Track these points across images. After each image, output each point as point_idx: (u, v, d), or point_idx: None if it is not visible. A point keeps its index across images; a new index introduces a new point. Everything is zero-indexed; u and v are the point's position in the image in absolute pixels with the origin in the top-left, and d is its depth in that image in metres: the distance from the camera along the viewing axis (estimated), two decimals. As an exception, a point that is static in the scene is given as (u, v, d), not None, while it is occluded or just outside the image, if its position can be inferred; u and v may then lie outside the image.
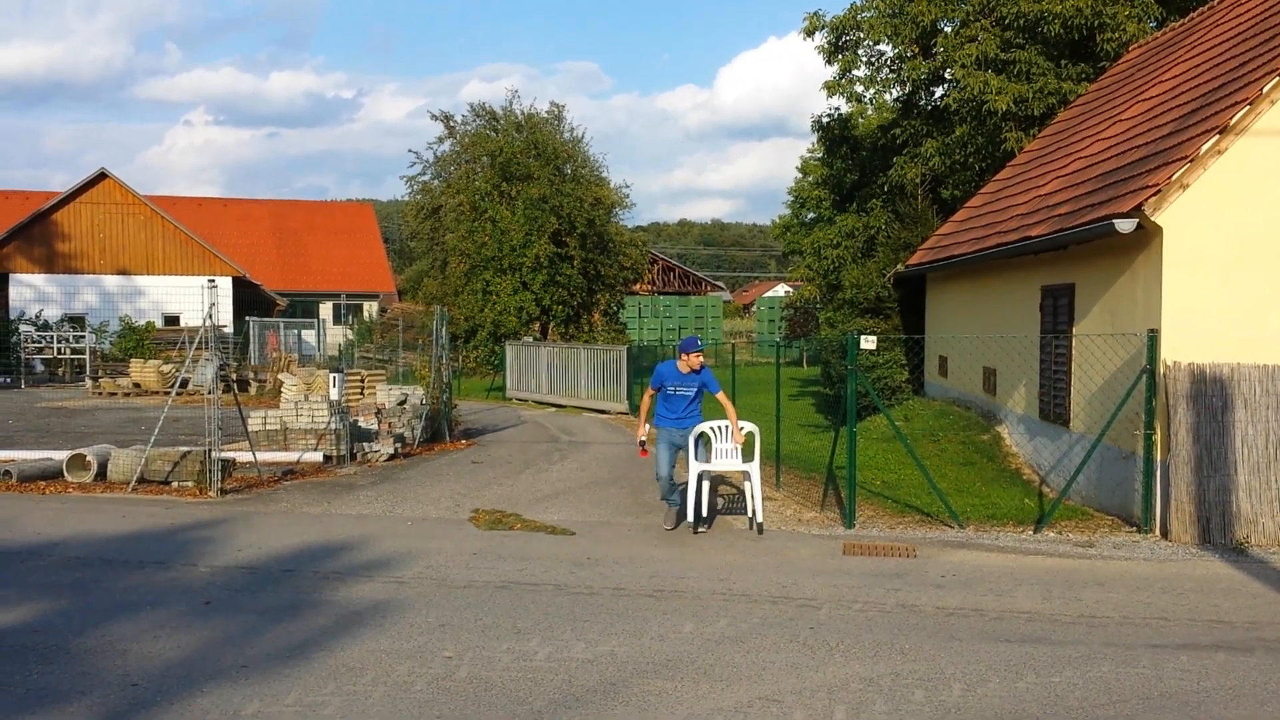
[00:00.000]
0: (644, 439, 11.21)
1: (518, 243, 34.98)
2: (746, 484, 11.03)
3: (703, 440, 10.89)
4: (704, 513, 10.85)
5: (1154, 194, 10.37)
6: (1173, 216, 10.42)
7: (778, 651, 6.84)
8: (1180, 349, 10.41)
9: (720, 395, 10.81)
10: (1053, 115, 21.91)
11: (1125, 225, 10.54)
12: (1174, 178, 10.37)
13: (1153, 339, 10.50)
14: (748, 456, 11.00)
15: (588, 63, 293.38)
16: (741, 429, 10.90)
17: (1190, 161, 10.38)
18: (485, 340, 35.47)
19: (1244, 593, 8.51)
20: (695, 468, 10.71)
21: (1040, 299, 13.88)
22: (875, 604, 8.08)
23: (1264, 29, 12.40)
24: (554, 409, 27.67)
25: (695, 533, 10.70)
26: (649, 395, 11.12)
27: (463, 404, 24.33)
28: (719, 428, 10.97)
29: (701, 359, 10.78)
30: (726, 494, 12.80)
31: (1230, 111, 10.49)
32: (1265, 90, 10.36)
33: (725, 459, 11.01)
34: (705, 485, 10.89)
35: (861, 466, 13.02)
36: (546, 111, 39.51)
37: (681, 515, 11.02)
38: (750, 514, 10.89)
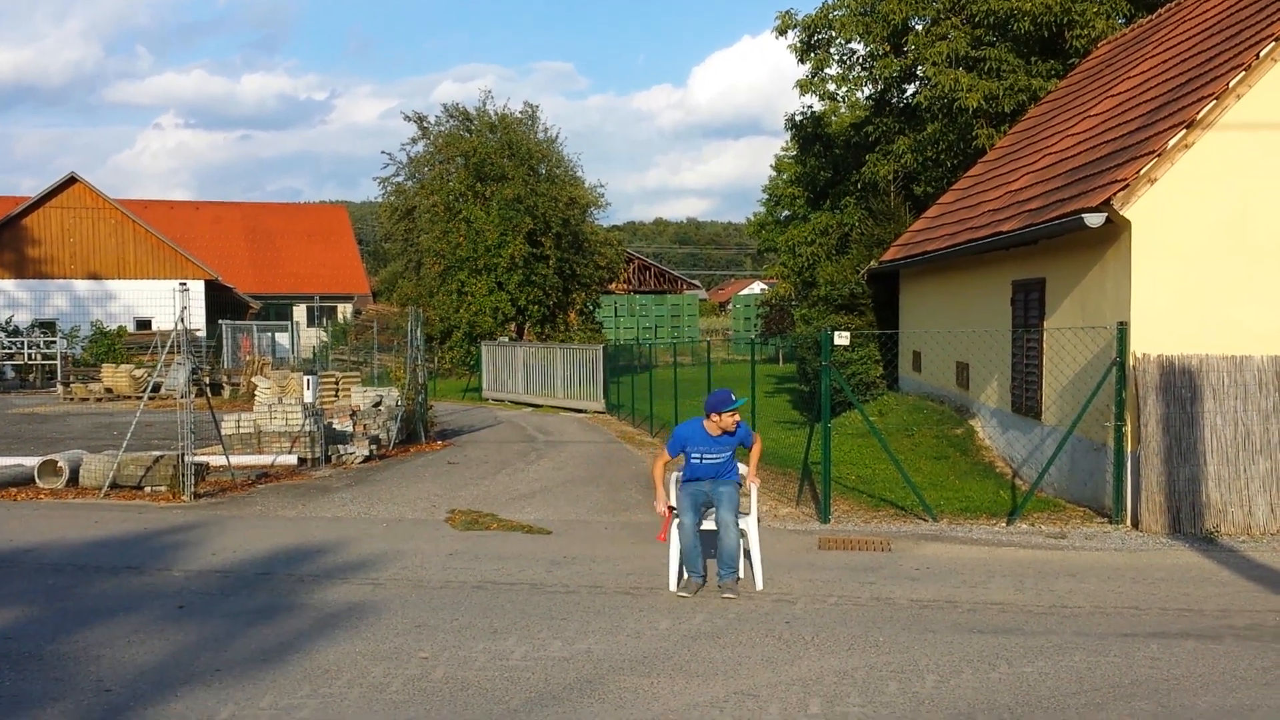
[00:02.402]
0: (672, 505, 8.40)
1: (493, 243, 34.95)
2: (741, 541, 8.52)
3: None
4: (685, 575, 8.40)
5: (1122, 188, 10.46)
6: (1141, 210, 10.52)
7: (754, 646, 6.87)
8: (1149, 341, 10.51)
9: (754, 436, 8.68)
10: (1023, 112, 22.07)
11: (1094, 219, 10.63)
12: (1142, 172, 10.47)
13: (1122, 331, 10.59)
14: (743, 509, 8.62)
15: (562, 63, 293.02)
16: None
17: (1158, 156, 10.48)
18: (461, 341, 35.43)
19: (1213, 581, 8.60)
20: (689, 521, 8.23)
21: (1012, 293, 13.98)
22: (850, 597, 8.12)
23: (1230, 24, 12.53)
24: (530, 409, 27.65)
25: (678, 594, 8.23)
26: (662, 463, 8.47)
27: (438, 405, 24.26)
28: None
29: (738, 417, 8.32)
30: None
31: (1197, 106, 10.60)
32: (1231, 85, 10.47)
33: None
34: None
35: (837, 462, 13.09)
36: (520, 112, 39.58)
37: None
38: (751, 575, 8.42)
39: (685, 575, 8.38)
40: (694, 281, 77.47)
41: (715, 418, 8.23)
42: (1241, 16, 12.34)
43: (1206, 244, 10.58)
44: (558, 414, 26.14)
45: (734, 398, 8.26)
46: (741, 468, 8.59)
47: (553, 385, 27.99)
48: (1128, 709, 5.74)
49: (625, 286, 59.85)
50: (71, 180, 42.46)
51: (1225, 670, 6.37)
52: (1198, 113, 10.48)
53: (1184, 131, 10.48)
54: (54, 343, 36.42)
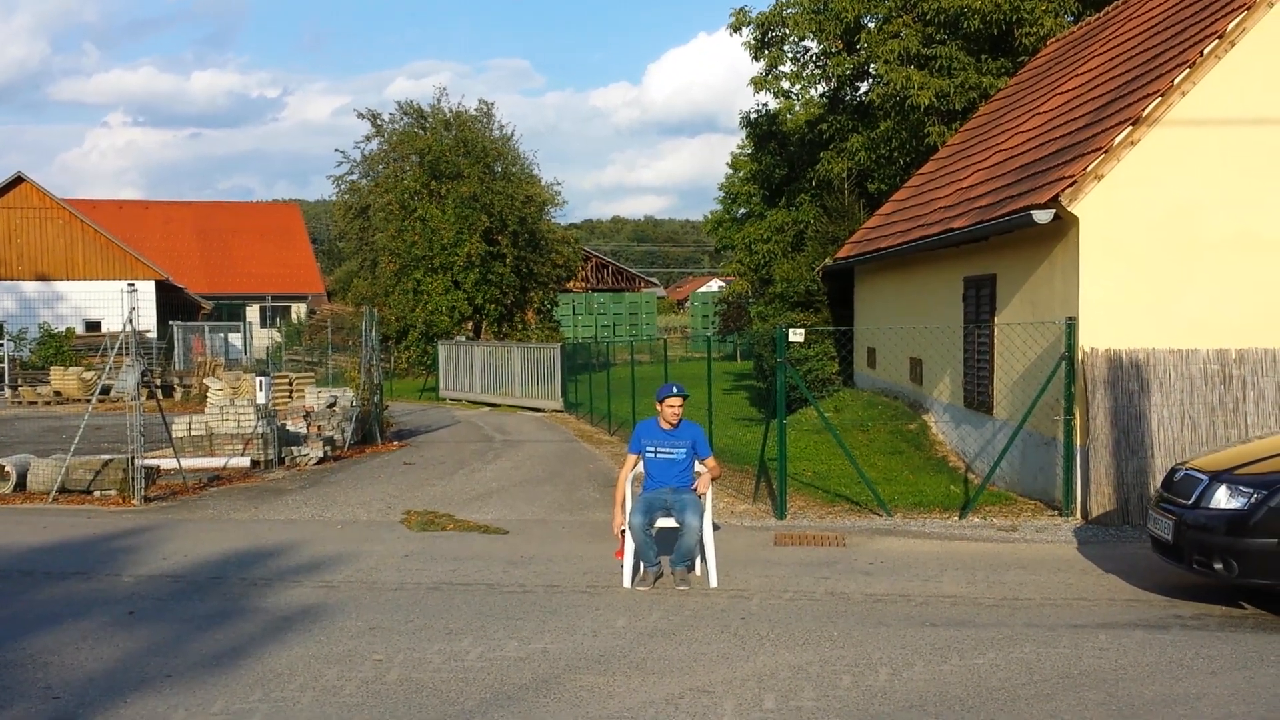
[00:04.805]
0: (624, 528, 8.43)
1: (448, 242, 34.71)
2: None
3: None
4: (642, 568, 8.46)
5: (1070, 185, 10.60)
6: (1088, 206, 10.66)
7: (709, 643, 6.89)
8: (1098, 336, 10.66)
9: (711, 461, 8.72)
10: (974, 109, 22.28)
11: (1043, 216, 10.76)
12: (1089, 169, 10.61)
13: (1071, 326, 10.73)
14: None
15: (518, 60, 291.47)
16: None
17: (1105, 153, 10.62)
18: (417, 340, 35.16)
19: (1161, 572, 8.72)
20: (638, 521, 8.30)
21: (963, 289, 14.12)
22: (805, 593, 8.17)
23: (1175, 22, 12.73)
24: (488, 408, 27.53)
25: (633, 588, 8.33)
26: (628, 466, 8.71)
27: (395, 405, 24.12)
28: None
29: (680, 407, 8.54)
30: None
31: (1143, 103, 10.76)
32: (1176, 82, 10.64)
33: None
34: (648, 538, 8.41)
35: (792, 458, 13.16)
36: (476, 109, 39.26)
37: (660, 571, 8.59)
38: (706, 572, 8.51)
39: (641, 569, 8.48)
40: (652, 279, 77.45)
41: (662, 407, 8.58)
42: (1186, 15, 12.54)
43: (1153, 239, 10.74)
44: (515, 413, 26.05)
45: (676, 389, 8.57)
46: (699, 473, 8.67)
47: (510, 384, 27.89)
48: (1077, 699, 5.82)
49: (583, 285, 59.76)
50: (18, 180, 41.69)
51: (1172, 659, 6.48)
52: (1144, 109, 10.64)
53: (1130, 128, 10.64)
54: (1, 345, 35.75)
